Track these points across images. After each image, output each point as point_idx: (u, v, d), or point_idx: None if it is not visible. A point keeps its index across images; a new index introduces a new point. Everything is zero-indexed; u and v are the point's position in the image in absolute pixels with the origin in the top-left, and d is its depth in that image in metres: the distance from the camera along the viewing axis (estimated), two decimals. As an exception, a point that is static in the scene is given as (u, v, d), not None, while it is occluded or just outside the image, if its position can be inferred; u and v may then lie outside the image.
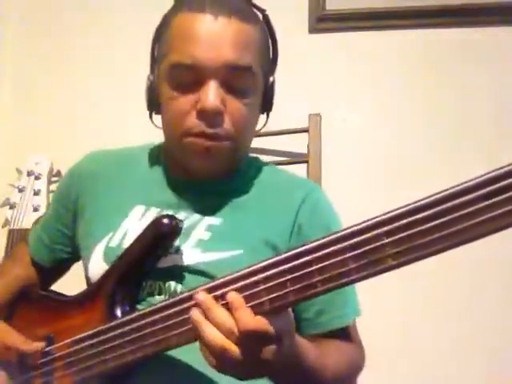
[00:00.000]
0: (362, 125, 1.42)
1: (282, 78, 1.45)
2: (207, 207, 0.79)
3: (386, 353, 1.21)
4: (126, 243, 0.75)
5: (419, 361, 1.33)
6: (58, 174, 1.39)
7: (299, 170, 1.26)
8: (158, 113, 0.83)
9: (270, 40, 0.84)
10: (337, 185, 1.31)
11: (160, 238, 0.71)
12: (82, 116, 1.56)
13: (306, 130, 1.31)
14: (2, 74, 1.60)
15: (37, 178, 1.33)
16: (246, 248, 0.74)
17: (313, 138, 1.30)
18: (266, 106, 0.84)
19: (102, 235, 0.79)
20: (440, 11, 1.40)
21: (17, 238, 1.28)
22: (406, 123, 1.41)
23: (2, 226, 1.32)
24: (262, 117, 0.86)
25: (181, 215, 0.77)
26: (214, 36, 0.73)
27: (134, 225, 0.78)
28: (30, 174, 1.34)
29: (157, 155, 0.88)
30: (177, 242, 0.74)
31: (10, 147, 1.56)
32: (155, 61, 0.83)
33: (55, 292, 0.83)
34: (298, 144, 1.35)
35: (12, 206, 1.31)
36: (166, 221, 0.70)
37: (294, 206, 0.80)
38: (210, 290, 0.55)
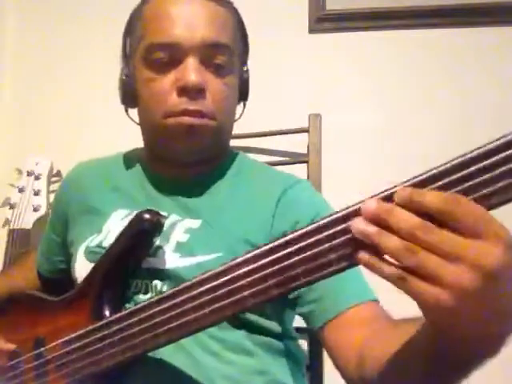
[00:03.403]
0: (362, 125, 1.42)
1: (282, 78, 1.46)
2: (187, 208, 0.78)
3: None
4: (107, 242, 0.75)
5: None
6: (58, 173, 1.39)
7: (299, 170, 1.26)
8: (133, 106, 0.82)
9: (241, 32, 0.83)
10: (337, 185, 1.31)
11: (142, 233, 0.69)
12: (82, 116, 1.55)
13: (306, 130, 1.31)
14: (2, 73, 1.60)
15: (37, 178, 1.33)
16: (225, 250, 0.73)
17: (313, 138, 1.30)
18: (242, 95, 0.84)
19: (84, 238, 0.79)
20: (440, 11, 1.40)
21: (17, 238, 1.28)
22: (406, 123, 1.41)
23: (2, 226, 1.32)
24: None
25: None
26: (190, 15, 0.73)
27: (115, 226, 0.77)
28: (29, 174, 1.34)
29: (138, 157, 0.88)
30: (158, 244, 0.72)
31: (10, 147, 1.56)
32: (128, 55, 0.82)
33: (43, 293, 0.82)
34: (298, 144, 1.34)
35: (12, 206, 1.31)
36: (147, 216, 0.68)
37: (271, 205, 0.77)
38: (181, 293, 0.55)
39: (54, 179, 1.38)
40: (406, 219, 0.40)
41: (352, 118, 1.43)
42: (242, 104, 0.86)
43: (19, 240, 1.27)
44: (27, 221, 1.29)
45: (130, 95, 0.80)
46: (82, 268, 0.76)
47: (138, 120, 0.84)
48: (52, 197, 1.37)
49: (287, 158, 1.37)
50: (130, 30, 0.81)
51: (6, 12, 1.61)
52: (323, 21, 1.45)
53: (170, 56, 0.73)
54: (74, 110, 1.56)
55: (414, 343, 0.50)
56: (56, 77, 1.58)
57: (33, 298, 0.80)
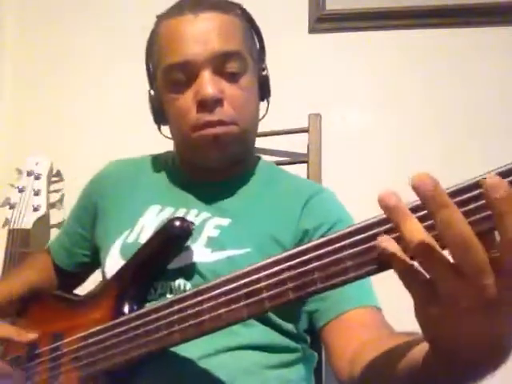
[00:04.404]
0: (361, 125, 1.42)
1: (281, 78, 1.45)
2: (216, 208, 0.81)
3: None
4: (143, 239, 0.77)
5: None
6: (58, 174, 1.39)
7: (299, 170, 1.26)
8: (165, 124, 0.86)
9: (253, 30, 0.86)
10: (337, 185, 1.31)
11: (171, 239, 0.72)
12: (81, 116, 1.55)
13: (306, 130, 1.31)
14: (2, 73, 1.60)
15: (37, 178, 1.33)
16: (254, 246, 0.75)
17: (313, 137, 1.30)
18: (264, 92, 0.87)
19: (119, 233, 0.81)
20: (440, 11, 1.40)
21: (17, 238, 1.28)
22: (406, 123, 1.41)
23: (2, 226, 1.32)
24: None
25: (192, 212, 0.80)
26: (198, 31, 0.76)
27: (150, 222, 0.80)
28: (29, 174, 1.34)
29: (171, 160, 0.91)
30: (188, 241, 0.75)
31: (10, 147, 1.56)
32: (152, 76, 0.87)
33: (67, 292, 0.84)
34: (298, 144, 1.35)
35: (12, 206, 1.31)
36: (177, 223, 0.71)
37: (298, 207, 0.81)
38: (200, 293, 0.56)
39: (53, 179, 1.38)
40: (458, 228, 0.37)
41: (352, 118, 1.43)
42: (265, 102, 0.89)
43: (19, 240, 1.27)
44: (27, 221, 1.29)
45: (159, 114, 0.85)
46: (114, 264, 0.77)
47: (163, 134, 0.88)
48: (52, 197, 1.37)
49: (287, 158, 1.38)
50: (150, 54, 0.86)
51: (6, 12, 1.61)
52: (323, 21, 1.45)
53: (185, 74, 0.77)
54: (74, 110, 1.56)
55: (407, 357, 0.50)
56: (56, 77, 1.58)
57: (58, 297, 0.82)
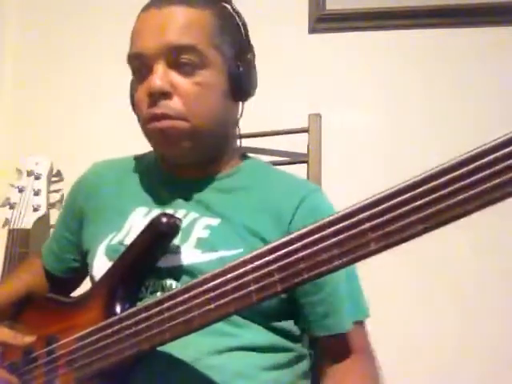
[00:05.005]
0: (362, 125, 1.42)
1: (282, 78, 1.46)
2: (205, 207, 0.80)
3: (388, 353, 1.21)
4: (128, 240, 0.76)
5: (423, 360, 1.33)
6: (58, 173, 1.39)
7: (299, 170, 1.26)
8: None
9: (234, 26, 0.83)
10: (337, 185, 1.31)
11: (159, 236, 0.71)
12: (81, 116, 1.56)
13: (306, 130, 1.31)
14: (2, 73, 1.60)
15: (37, 177, 1.34)
16: (246, 247, 0.74)
17: (313, 138, 1.30)
18: (238, 93, 0.81)
19: (105, 235, 0.80)
20: (440, 11, 1.40)
21: (17, 238, 1.28)
22: (406, 123, 1.41)
23: (2, 226, 1.32)
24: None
25: (180, 213, 0.79)
26: (156, 24, 0.76)
27: (136, 223, 0.79)
28: (29, 174, 1.34)
29: (153, 158, 0.90)
30: (177, 242, 0.74)
31: (10, 147, 1.56)
32: None
33: (60, 295, 0.84)
34: (298, 144, 1.34)
35: (12, 206, 1.31)
36: (164, 219, 0.70)
37: (291, 208, 0.79)
38: (189, 289, 0.57)
39: (54, 179, 1.39)
40: None
41: (352, 117, 1.43)
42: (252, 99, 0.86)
43: (19, 240, 1.28)
44: (27, 221, 1.29)
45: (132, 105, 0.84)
46: (100, 266, 0.77)
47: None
48: (52, 197, 1.37)
49: (287, 158, 1.37)
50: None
51: (7, 11, 1.61)
52: (323, 21, 1.45)
53: (141, 66, 0.77)
54: (74, 110, 1.56)
55: None
56: (56, 77, 1.58)
57: (50, 299, 0.81)
